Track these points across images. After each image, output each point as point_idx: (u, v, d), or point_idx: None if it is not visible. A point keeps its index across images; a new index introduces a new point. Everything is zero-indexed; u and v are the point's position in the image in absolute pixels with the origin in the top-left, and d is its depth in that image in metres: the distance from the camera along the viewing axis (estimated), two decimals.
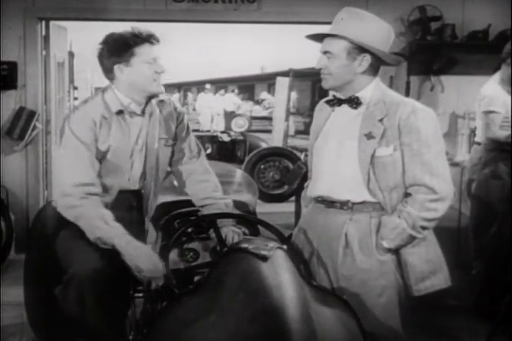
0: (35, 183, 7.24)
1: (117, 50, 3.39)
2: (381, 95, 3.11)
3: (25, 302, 4.11)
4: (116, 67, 3.41)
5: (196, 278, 3.20)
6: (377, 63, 3.13)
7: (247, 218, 3.76)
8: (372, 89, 3.13)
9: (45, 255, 3.65)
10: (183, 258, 3.37)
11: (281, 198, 10.22)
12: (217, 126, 20.22)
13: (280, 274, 2.45)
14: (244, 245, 2.60)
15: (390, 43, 3.19)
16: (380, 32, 3.18)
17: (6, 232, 6.51)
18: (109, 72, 3.48)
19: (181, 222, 3.97)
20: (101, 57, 3.47)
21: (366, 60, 3.07)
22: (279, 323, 2.23)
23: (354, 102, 3.13)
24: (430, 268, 3.14)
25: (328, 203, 3.19)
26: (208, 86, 16.53)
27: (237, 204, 4.17)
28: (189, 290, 2.60)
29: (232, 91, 25.86)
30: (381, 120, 3.04)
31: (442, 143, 3.09)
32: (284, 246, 2.68)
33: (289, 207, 9.09)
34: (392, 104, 3.06)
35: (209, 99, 16.75)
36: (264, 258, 2.50)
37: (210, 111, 17.15)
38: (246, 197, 4.67)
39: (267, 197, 9.98)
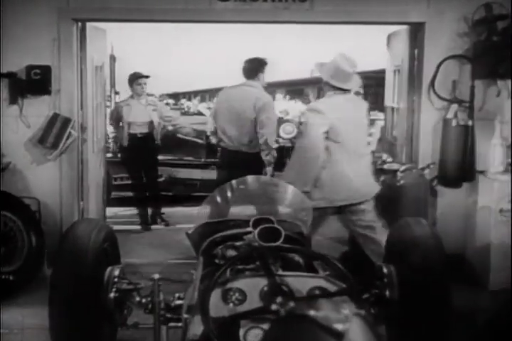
0: (70, 195, 6.94)
1: None
2: None
3: (49, 326, 3.70)
4: None
5: (243, 325, 2.66)
6: None
7: (303, 252, 3.25)
8: None
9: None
10: (226, 301, 2.85)
11: None
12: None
13: None
14: (311, 312, 2.03)
15: None
16: None
17: (37, 247, 6.28)
18: None
19: (226, 248, 3.64)
20: None
21: None
22: None
23: None
24: None
25: None
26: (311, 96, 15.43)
27: (288, 225, 3.80)
28: None
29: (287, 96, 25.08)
30: None
31: None
32: (362, 311, 2.12)
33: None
34: None
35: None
36: (339, 336, 1.94)
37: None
38: (298, 217, 4.19)
39: None
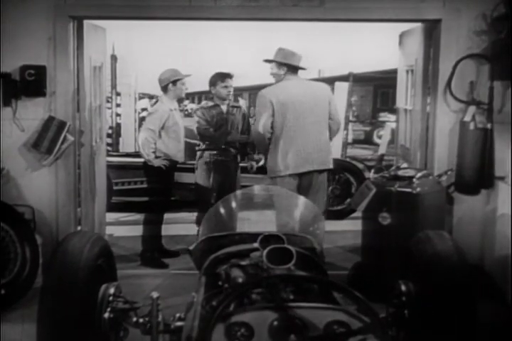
0: (66, 202, 6.71)
1: None
2: None
3: None
4: None
5: None
6: None
7: (321, 282, 2.94)
8: None
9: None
10: (231, 338, 2.52)
11: (340, 215, 9.60)
12: None
13: None
14: None
15: None
16: None
17: (31, 259, 6.05)
18: None
19: (230, 267, 3.33)
20: None
21: None
22: None
23: None
24: None
25: None
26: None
27: (299, 240, 3.65)
28: None
29: None
30: None
31: None
32: None
33: (352, 224, 8.49)
34: None
35: None
36: None
37: None
38: (310, 231, 3.98)
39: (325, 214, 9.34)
